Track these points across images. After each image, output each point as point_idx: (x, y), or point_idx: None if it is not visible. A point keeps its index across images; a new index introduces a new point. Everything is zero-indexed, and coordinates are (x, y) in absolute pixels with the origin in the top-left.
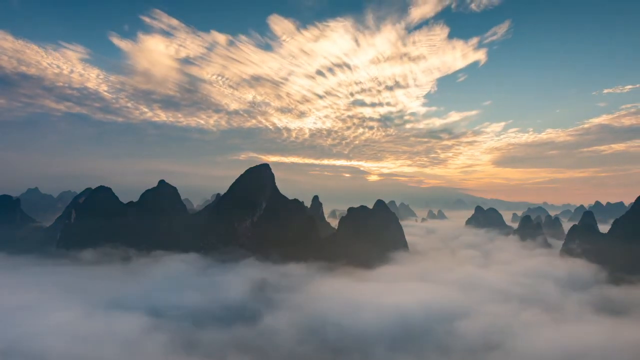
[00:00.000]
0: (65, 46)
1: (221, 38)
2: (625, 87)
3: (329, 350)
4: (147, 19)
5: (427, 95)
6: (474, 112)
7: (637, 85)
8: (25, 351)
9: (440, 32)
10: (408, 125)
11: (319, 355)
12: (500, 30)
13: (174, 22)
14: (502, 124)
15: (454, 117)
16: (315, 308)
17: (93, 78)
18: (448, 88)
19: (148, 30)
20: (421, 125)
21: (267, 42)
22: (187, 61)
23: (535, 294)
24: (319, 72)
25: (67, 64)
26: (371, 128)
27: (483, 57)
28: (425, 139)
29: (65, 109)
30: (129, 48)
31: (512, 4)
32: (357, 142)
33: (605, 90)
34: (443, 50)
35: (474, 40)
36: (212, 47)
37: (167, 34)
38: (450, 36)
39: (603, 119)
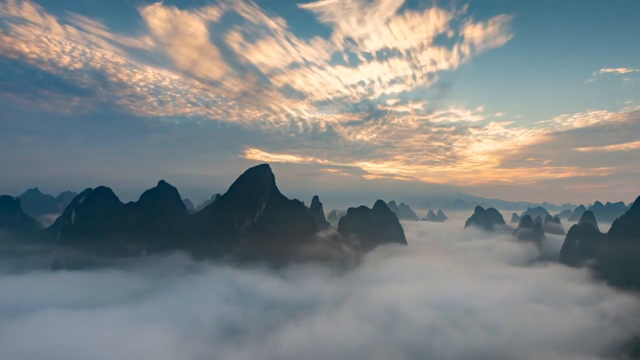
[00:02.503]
0: (63, 47)
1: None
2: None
3: (328, 349)
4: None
5: (424, 97)
6: (472, 113)
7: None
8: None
9: (434, 32)
10: (404, 126)
11: (318, 354)
12: (495, 34)
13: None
14: (502, 124)
15: (451, 117)
16: (314, 307)
17: (92, 81)
18: (445, 89)
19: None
20: (418, 126)
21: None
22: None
23: (534, 294)
24: (318, 68)
25: (67, 52)
26: (367, 127)
27: (476, 58)
28: (423, 140)
29: (66, 105)
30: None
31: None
32: (354, 142)
33: (606, 91)
34: (439, 49)
35: (470, 42)
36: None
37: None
38: (444, 39)
39: (603, 119)
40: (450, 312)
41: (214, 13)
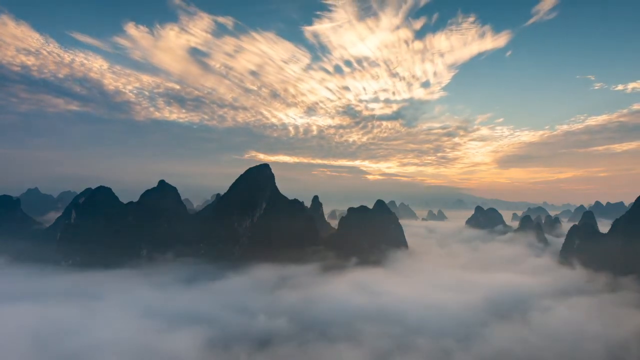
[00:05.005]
0: (66, 42)
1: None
2: (628, 85)
3: (329, 348)
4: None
5: (410, 102)
6: (460, 117)
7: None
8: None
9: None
10: (394, 130)
11: (319, 353)
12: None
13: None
14: (502, 124)
15: (437, 122)
16: (315, 308)
17: (94, 79)
18: (429, 94)
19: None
20: (406, 130)
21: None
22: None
23: (533, 293)
24: (320, 68)
25: (66, 64)
26: (358, 131)
27: (456, 66)
28: (414, 142)
29: (66, 108)
30: (129, 42)
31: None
32: (346, 144)
33: (607, 91)
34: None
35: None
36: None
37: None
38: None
39: (604, 119)
40: None
41: (202, 26)
